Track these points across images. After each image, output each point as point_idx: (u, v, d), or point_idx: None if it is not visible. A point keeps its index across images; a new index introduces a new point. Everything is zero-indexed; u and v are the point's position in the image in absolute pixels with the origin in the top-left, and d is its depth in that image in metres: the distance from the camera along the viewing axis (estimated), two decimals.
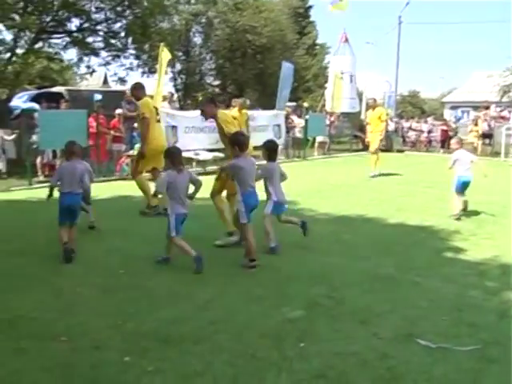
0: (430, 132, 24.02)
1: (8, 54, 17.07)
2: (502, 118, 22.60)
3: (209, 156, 14.14)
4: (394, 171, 14.31)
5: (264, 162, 6.71)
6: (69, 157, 6.39)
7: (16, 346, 3.89)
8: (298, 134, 18.98)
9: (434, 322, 4.38)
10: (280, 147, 18.26)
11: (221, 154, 14.61)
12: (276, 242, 6.41)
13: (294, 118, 19.39)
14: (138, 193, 8.97)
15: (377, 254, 6.37)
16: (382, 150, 20.12)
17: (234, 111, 13.25)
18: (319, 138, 20.35)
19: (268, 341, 3.99)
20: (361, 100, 23.59)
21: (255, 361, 3.70)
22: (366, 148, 22.00)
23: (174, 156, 5.93)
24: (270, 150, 6.62)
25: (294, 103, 23.11)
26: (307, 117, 18.75)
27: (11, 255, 6.31)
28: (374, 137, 13.99)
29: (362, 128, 21.67)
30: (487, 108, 23.66)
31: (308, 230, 6.74)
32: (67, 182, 6.17)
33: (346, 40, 22.63)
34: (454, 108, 44.92)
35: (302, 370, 3.56)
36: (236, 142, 5.83)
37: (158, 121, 9.08)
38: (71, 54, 36.79)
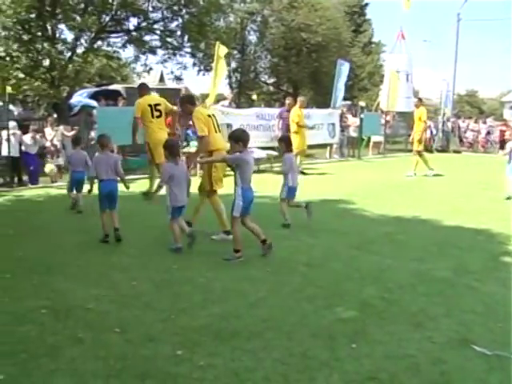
0: (488, 133, 23.38)
1: (69, 53, 17.62)
2: None
3: (262, 154, 14.16)
4: (450, 172, 13.99)
5: None
6: (102, 148, 7.02)
7: (73, 335, 4.02)
8: (353, 133, 18.80)
9: (490, 328, 4.26)
10: (334, 146, 18.18)
11: (274, 152, 14.66)
12: (289, 221, 7.50)
13: (349, 116, 19.22)
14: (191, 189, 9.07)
15: (432, 257, 6.25)
16: (438, 151, 19.77)
17: (295, 109, 13.25)
18: (375, 138, 20.11)
19: (319, 340, 3.98)
20: None
21: (306, 360, 3.69)
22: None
23: (172, 148, 6.45)
24: (287, 142, 7.75)
25: (348, 102, 22.89)
26: (362, 116, 18.55)
27: (69, 247, 6.54)
28: (415, 137, 13.94)
29: None
30: None
31: (312, 211, 7.65)
32: (104, 171, 6.77)
33: (403, 38, 22.18)
34: None
35: (353, 371, 3.53)
36: (240, 138, 5.97)
37: (158, 116, 9.28)
38: (129, 53, 37.61)
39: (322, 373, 3.51)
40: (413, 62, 22.39)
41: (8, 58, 16.31)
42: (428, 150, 21.71)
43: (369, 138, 20.08)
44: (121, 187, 7.03)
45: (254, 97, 18.86)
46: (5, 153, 11.79)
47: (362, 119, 18.38)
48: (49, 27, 16.79)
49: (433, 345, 3.94)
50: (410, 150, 20.83)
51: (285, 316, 4.43)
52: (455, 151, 21.63)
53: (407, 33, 21.94)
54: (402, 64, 21.67)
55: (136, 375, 3.46)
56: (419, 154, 13.74)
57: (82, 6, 17.53)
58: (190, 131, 13.68)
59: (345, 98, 19.95)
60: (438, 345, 3.94)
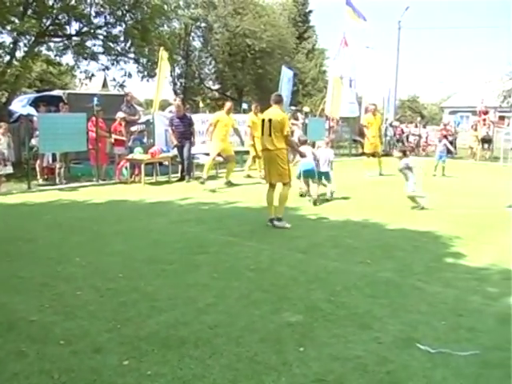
0: (428, 137, 24.19)
1: (7, 57, 17.08)
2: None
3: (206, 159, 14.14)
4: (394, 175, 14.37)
5: None
6: None
7: (15, 349, 3.88)
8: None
9: (434, 326, 4.36)
10: None
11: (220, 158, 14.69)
12: None
13: (293, 122, 19.40)
14: (135, 197, 9.00)
15: (377, 259, 6.36)
16: (383, 155, 20.34)
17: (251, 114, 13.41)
18: (319, 143, 20.36)
19: (268, 345, 3.98)
20: (360, 104, 23.58)
21: (255, 364, 3.68)
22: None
23: None
24: None
25: (293, 107, 23.13)
26: (307, 121, 18.75)
27: (12, 258, 6.33)
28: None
29: (361, 132, 21.67)
30: (486, 113, 23.61)
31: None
32: None
33: (346, 44, 22.56)
34: (453, 113, 44.87)
35: (301, 374, 3.55)
36: None
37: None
38: (69, 58, 36.74)
39: (271, 377, 3.51)
40: (356, 68, 22.85)
41: None
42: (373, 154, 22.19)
43: (313, 143, 20.31)
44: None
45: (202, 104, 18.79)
46: None
47: (306, 124, 18.58)
48: None
49: (379, 345, 4.00)
50: (354, 155, 21.40)
51: (233, 322, 4.41)
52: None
53: (350, 39, 22.36)
54: (346, 70, 22.06)
55: None
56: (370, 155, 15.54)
57: (21, 8, 17.00)
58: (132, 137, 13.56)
59: (290, 104, 20.13)
60: (384, 345, 4.00)
